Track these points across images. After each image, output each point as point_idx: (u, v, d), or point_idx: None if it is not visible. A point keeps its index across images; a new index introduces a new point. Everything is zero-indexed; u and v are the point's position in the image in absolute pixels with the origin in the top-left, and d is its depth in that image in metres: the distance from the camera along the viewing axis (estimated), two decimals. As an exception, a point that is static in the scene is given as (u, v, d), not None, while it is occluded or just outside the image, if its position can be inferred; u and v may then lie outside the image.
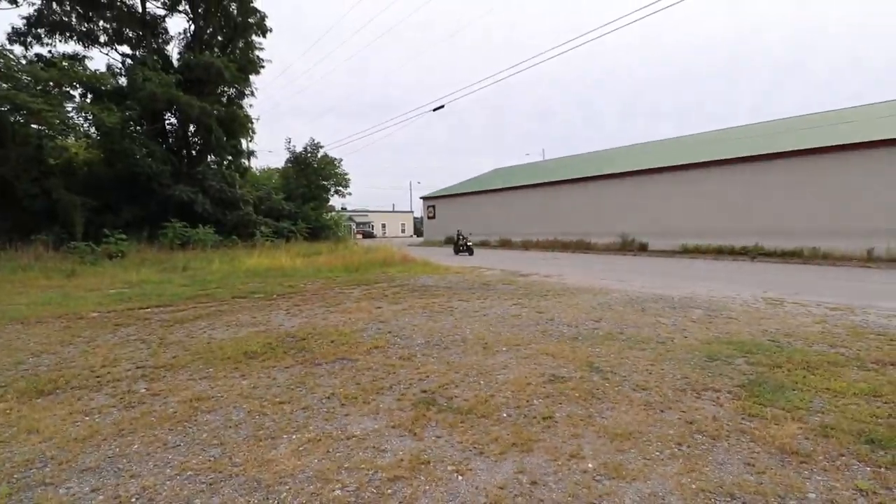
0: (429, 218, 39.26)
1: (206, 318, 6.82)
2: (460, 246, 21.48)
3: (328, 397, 3.62)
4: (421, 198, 41.63)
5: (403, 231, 75.81)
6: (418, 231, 62.60)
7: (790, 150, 17.41)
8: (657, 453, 2.70)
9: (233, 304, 8.10)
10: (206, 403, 3.57)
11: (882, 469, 2.49)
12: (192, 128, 23.20)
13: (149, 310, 7.59)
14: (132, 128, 20.57)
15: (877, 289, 9.44)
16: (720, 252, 18.40)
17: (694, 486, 2.35)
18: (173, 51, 24.15)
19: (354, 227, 60.80)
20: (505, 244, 29.13)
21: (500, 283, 10.66)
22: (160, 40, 23.84)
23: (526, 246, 26.89)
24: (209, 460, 2.71)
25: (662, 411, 3.28)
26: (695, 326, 5.86)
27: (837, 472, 2.47)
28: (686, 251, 19.56)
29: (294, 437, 2.98)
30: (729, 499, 2.25)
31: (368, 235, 62.74)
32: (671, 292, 8.84)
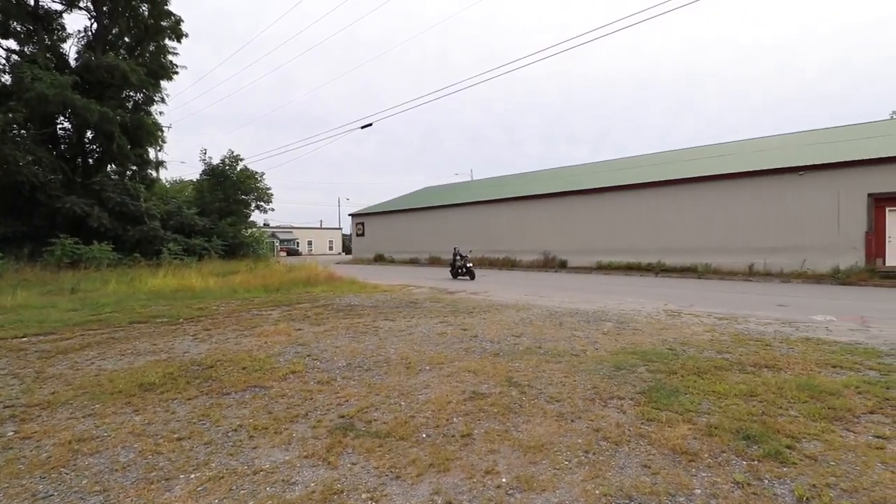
0: (358, 235, 38.59)
1: (96, 347, 6.09)
2: (458, 268, 17.36)
3: (235, 430, 3.37)
4: (350, 215, 40.89)
5: (332, 248, 73.65)
6: (347, 248, 61.17)
7: (686, 177, 19.50)
8: (566, 462, 2.82)
9: (130, 330, 7.32)
10: (89, 445, 3.17)
11: (755, 462, 2.79)
12: (89, 134, 20.99)
13: (25, 339, 6.63)
14: (15, 131, 18.19)
15: (756, 299, 10.74)
16: (630, 268, 19.97)
17: (597, 492, 2.48)
18: (71, 49, 21.90)
19: (278, 244, 58.03)
20: (434, 262, 29.36)
21: (427, 300, 10.69)
22: (55, 37, 21.49)
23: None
24: (87, 510, 2.39)
25: (573, 421, 3.45)
26: (605, 339, 6.26)
27: (719, 467, 2.73)
28: (601, 267, 20.98)
29: (192, 476, 2.73)
30: (627, 501, 2.40)
31: (293, 253, 60.10)
32: (586, 307, 9.40)
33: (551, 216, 24.11)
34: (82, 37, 21.85)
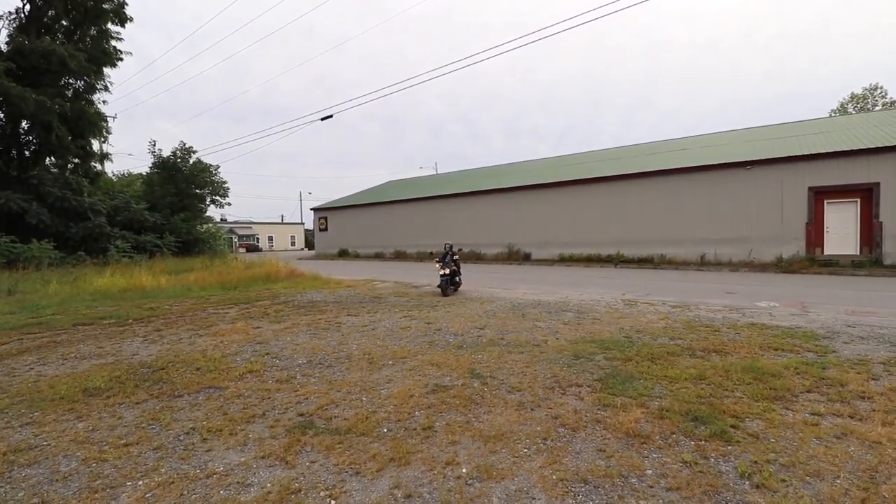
0: (321, 230, 37.78)
1: (36, 352, 5.71)
2: (448, 277, 10.78)
3: (187, 433, 3.24)
4: (312, 209, 39.93)
5: (294, 244, 71.92)
6: (310, 244, 59.90)
7: (643, 171, 20.16)
8: (525, 450, 2.87)
9: (73, 332, 6.90)
10: (27, 455, 2.98)
11: (702, 442, 2.94)
12: (25, 124, 19.53)
13: (-48, 345, 6.13)
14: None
15: (706, 287, 11.28)
16: (590, 260, 20.53)
17: (555, 478, 2.54)
18: (1, 33, 20.29)
19: (236, 240, 56.15)
20: (400, 256, 29.20)
21: (392, 295, 10.62)
22: (-19, 18, 19.83)
23: (420, 258, 27.24)
24: (23, 525, 2.24)
25: (532, 410, 3.51)
26: (566, 328, 6.42)
27: (669, 448, 2.86)
28: (563, 260, 21.47)
29: (140, 483, 2.60)
30: (583, 484, 2.48)
31: (253, 249, 58.30)
32: (549, 298, 9.59)
33: (515, 210, 24.42)
34: (14, 19, 20.27)
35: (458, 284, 11.42)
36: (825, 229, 16.11)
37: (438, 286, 10.91)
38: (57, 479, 2.67)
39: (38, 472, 2.77)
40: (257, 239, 66.27)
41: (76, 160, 21.82)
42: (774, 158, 16.83)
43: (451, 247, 11.64)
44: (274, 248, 66.31)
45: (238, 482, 2.58)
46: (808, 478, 2.50)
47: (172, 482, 2.59)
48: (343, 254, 33.43)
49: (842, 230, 15.85)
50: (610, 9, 12.34)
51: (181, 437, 3.17)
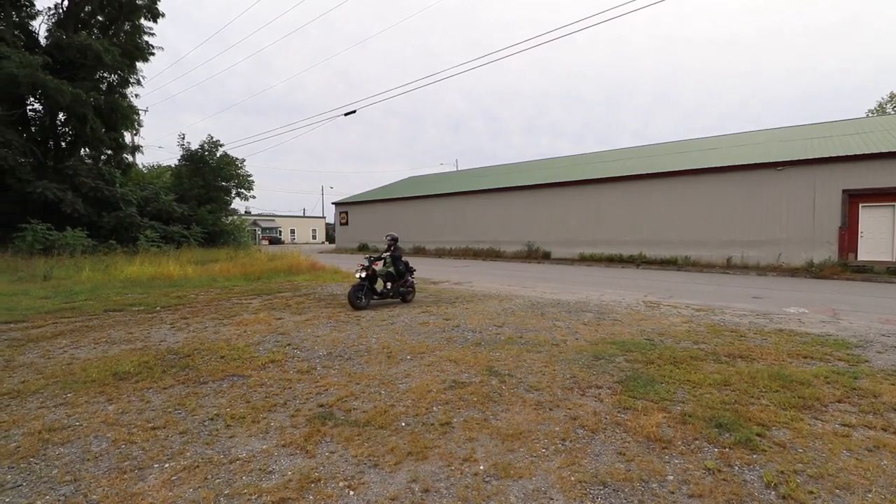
0: (342, 224, 38.20)
1: (69, 336, 5.94)
2: (372, 282, 8.45)
3: (212, 419, 3.33)
4: (333, 203, 40.40)
5: (315, 237, 72.86)
6: (331, 238, 60.59)
7: (665, 171, 19.72)
8: (543, 450, 2.85)
9: (104, 318, 7.15)
10: (60, 434, 3.10)
11: (726, 449, 2.87)
12: (61, 116, 20.26)
13: (-7, 327, 6.42)
14: (-18, 112, 17.47)
15: (732, 291, 10.98)
16: (612, 260, 20.22)
17: (573, 479, 2.52)
18: (41, 28, 21.08)
19: (259, 232, 57.21)
20: (419, 252, 29.29)
21: (410, 290, 10.64)
22: (23, 14, 20.57)
23: (439, 254, 27.28)
24: (58, 500, 2.35)
25: (551, 410, 3.49)
26: (585, 329, 6.34)
27: (692, 454, 2.80)
28: (584, 259, 21.20)
29: (167, 465, 2.68)
30: (602, 487, 2.45)
31: (276, 241, 59.31)
32: (568, 297, 9.49)
33: (535, 207, 24.20)
34: (52, 14, 21.01)
35: (402, 293, 8.75)
36: (859, 234, 15.48)
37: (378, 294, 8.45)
38: (88, 459, 2.77)
39: (70, 450, 2.88)
40: (280, 232, 67.38)
41: (109, 152, 22.55)
42: (807, 159, 16.24)
43: (395, 241, 9.13)
44: (296, 241, 67.34)
45: (260, 469, 2.64)
46: (837, 490, 2.42)
47: (197, 466, 2.66)
48: (363, 248, 33.71)
49: (877, 235, 15.21)
50: (630, 7, 12.06)
51: (206, 423, 3.26)
